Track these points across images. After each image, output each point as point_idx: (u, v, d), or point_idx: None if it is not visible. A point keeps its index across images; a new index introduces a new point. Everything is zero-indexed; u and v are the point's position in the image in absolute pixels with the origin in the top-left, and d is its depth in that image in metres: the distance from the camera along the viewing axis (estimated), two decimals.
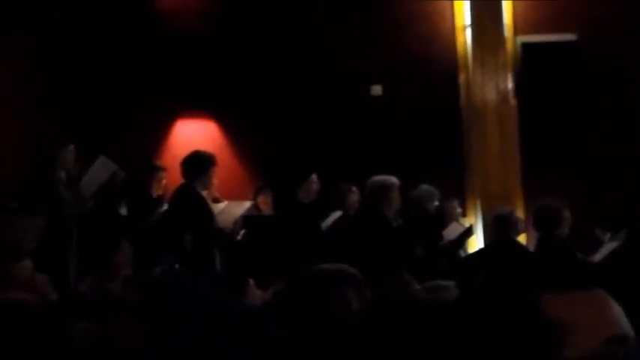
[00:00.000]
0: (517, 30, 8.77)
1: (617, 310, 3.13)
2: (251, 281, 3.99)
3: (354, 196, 7.59)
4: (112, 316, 4.68)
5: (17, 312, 3.91)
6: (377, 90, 8.85)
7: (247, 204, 6.83)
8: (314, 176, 7.20)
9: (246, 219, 6.87)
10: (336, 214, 7.32)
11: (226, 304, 3.48)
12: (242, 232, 6.99)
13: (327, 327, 2.52)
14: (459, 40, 8.84)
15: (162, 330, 4.14)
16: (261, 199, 7.67)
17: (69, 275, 6.32)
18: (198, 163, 6.34)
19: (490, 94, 8.69)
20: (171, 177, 7.25)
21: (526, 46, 8.68)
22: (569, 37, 8.61)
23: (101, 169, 6.66)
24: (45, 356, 3.60)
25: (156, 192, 7.38)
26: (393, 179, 6.06)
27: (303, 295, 2.60)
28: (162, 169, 7.49)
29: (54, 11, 8.41)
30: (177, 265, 5.59)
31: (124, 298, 4.93)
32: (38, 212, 6.22)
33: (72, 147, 6.64)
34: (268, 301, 3.59)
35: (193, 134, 8.61)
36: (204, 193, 6.52)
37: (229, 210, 6.60)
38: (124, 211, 7.10)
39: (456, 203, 7.92)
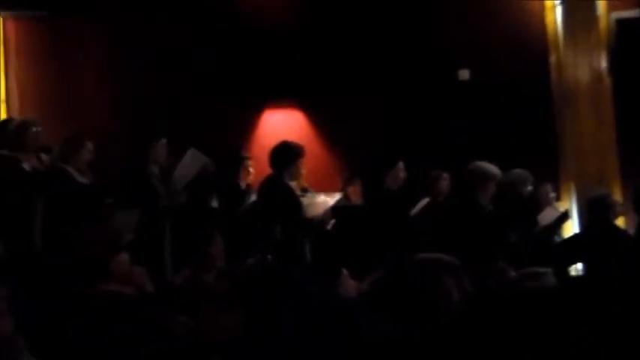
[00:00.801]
0: (611, 6, 8.47)
1: None
2: (345, 271, 3.96)
3: (445, 182, 7.49)
4: (207, 307, 4.75)
5: (118, 304, 4.00)
6: (464, 74, 8.70)
7: (337, 195, 6.82)
8: (401, 164, 7.14)
9: (335, 209, 6.86)
10: (424, 202, 7.23)
11: (323, 295, 3.48)
12: (331, 221, 6.99)
13: (428, 316, 2.48)
14: (549, 18, 8.61)
15: (258, 320, 4.16)
16: (350, 189, 7.65)
17: (164, 267, 6.43)
18: (286, 154, 6.35)
19: (583, 74, 8.44)
20: (260, 167, 7.29)
21: (621, 23, 8.38)
22: None
23: (192, 162, 6.76)
24: (145, 347, 3.66)
25: (244, 182, 7.45)
26: (495, 169, 5.91)
27: (404, 285, 2.56)
28: (249, 158, 7.54)
29: (144, 6, 8.56)
30: (268, 256, 5.61)
31: (218, 290, 4.99)
32: (133, 206, 6.38)
33: (164, 141, 6.74)
34: (364, 291, 3.56)
35: (281, 124, 8.64)
36: (293, 183, 6.53)
37: (319, 201, 6.60)
38: (214, 202, 7.19)
39: (549, 187, 7.72)
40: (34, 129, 6.46)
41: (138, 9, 8.56)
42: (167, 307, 4.50)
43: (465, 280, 2.65)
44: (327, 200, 6.63)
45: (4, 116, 8.44)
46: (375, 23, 8.67)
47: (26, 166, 6.37)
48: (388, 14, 8.67)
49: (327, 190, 7.40)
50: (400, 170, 7.12)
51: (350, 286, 3.80)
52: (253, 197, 7.07)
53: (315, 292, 3.53)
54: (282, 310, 3.83)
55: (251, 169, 7.48)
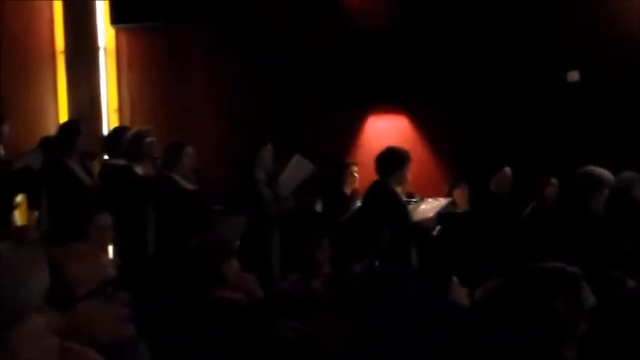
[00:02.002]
0: None
1: None
2: (455, 278, 3.90)
3: (553, 188, 7.32)
4: (316, 313, 4.77)
5: (230, 311, 4.06)
6: (574, 76, 8.47)
7: (444, 201, 6.75)
8: (507, 168, 7.01)
9: (441, 215, 6.80)
10: (529, 207, 7.08)
11: (434, 303, 3.44)
12: (437, 227, 6.93)
13: (546, 327, 2.43)
14: None
15: (367, 328, 4.15)
16: (457, 193, 7.57)
17: (272, 273, 6.50)
18: (392, 160, 6.34)
19: None
20: (364, 173, 7.30)
21: None
22: None
23: (297, 168, 6.82)
24: (257, 354, 3.70)
25: (349, 188, 7.47)
26: (608, 175, 5.72)
27: (523, 295, 2.51)
28: (354, 164, 7.55)
29: (252, 16, 8.69)
30: (376, 263, 5.60)
31: (327, 296, 5.00)
32: (240, 212, 6.48)
33: (270, 147, 6.83)
34: (478, 299, 3.50)
35: (385, 129, 8.62)
36: (398, 188, 6.51)
37: (427, 207, 6.56)
38: (319, 208, 7.23)
39: None
40: (148, 139, 6.67)
41: (246, 19, 8.69)
42: (277, 313, 4.54)
43: (585, 290, 2.58)
44: (434, 205, 6.58)
45: (115, 125, 8.72)
46: (479, 24, 8.54)
47: (140, 174, 6.57)
48: (493, 15, 8.53)
49: (433, 195, 7.35)
50: (507, 175, 7.00)
51: (461, 293, 3.74)
52: (358, 203, 7.08)
53: (426, 300, 3.50)
54: (392, 317, 3.81)
55: (355, 175, 7.49)
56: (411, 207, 6.49)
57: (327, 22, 8.64)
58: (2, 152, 7.01)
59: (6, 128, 6.90)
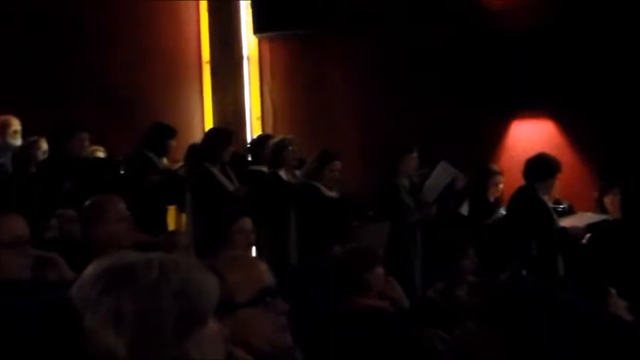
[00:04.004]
0: None
1: None
2: (613, 290, 3.73)
3: None
4: (464, 323, 4.67)
5: (375, 318, 4.03)
6: None
7: (597, 216, 6.53)
8: None
9: (591, 223, 6.55)
10: None
11: (591, 316, 3.29)
12: (587, 236, 6.67)
13: None
14: None
15: (516, 338, 4.02)
16: (608, 200, 7.24)
17: (414, 281, 6.44)
18: (543, 168, 6.18)
19: None
20: (509, 178, 7.14)
21: None
22: None
23: (443, 174, 6.75)
24: None
25: (493, 195, 7.32)
26: None
27: None
28: (499, 173, 7.40)
29: (392, 21, 8.65)
30: (523, 271, 5.44)
31: (472, 305, 4.90)
32: (383, 219, 6.45)
33: (415, 153, 6.78)
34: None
35: (530, 135, 8.38)
36: (545, 196, 6.32)
37: (577, 218, 6.38)
38: (464, 211, 7.12)
39: None
40: (291, 147, 6.76)
41: (386, 26, 8.66)
42: (422, 321, 4.48)
43: None
44: (585, 217, 6.37)
45: (258, 133, 8.89)
46: (630, 26, 8.16)
47: (285, 181, 6.66)
48: None
49: (581, 201, 7.10)
50: None
51: (620, 306, 3.57)
52: (502, 211, 6.92)
53: (582, 313, 3.35)
54: (545, 330, 3.67)
55: (500, 186, 7.33)
56: (563, 219, 6.31)
57: (469, 24, 8.48)
58: (165, 162, 7.29)
59: (173, 143, 7.14)
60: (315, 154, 6.66)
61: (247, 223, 4.61)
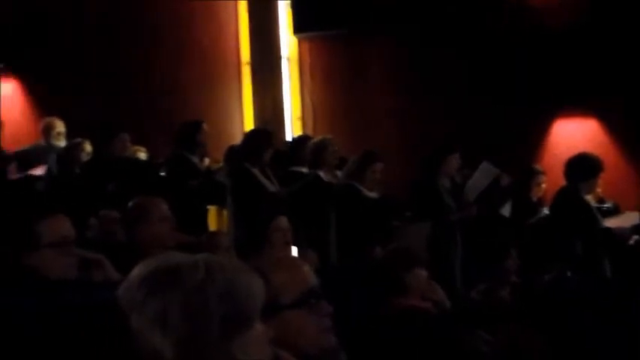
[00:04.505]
0: None
1: None
2: None
3: None
4: (506, 324, 4.62)
5: (417, 319, 4.00)
6: None
7: None
8: None
9: (638, 224, 6.45)
10: None
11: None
12: (634, 237, 6.56)
13: None
14: None
15: (562, 339, 3.97)
16: None
17: (455, 281, 6.39)
18: (585, 168, 6.10)
19: None
20: (552, 177, 7.06)
21: None
22: None
23: (485, 174, 6.70)
24: None
25: (535, 195, 7.25)
26: None
27: None
28: (542, 173, 7.32)
29: (431, 19, 8.60)
30: (568, 272, 5.37)
31: (516, 306, 4.85)
32: (424, 220, 6.41)
33: (456, 154, 6.74)
34: None
35: (574, 134, 8.29)
36: (588, 196, 6.24)
37: (622, 219, 6.28)
38: (506, 214, 7.06)
39: None
40: (331, 148, 6.75)
41: (427, 25, 8.60)
42: (465, 322, 4.45)
43: None
44: (631, 217, 6.28)
45: (298, 133, 8.90)
46: None
47: (326, 182, 6.65)
48: None
49: (626, 200, 6.99)
50: None
51: None
52: (545, 210, 6.84)
53: (628, 314, 3.29)
54: (589, 331, 3.62)
55: (543, 185, 7.25)
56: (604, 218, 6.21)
57: (512, 21, 8.40)
58: (206, 162, 7.33)
59: (204, 132, 7.13)
60: (358, 155, 6.63)
61: (284, 221, 4.61)
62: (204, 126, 7.14)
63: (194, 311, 1.52)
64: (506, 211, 7.02)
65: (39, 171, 7.33)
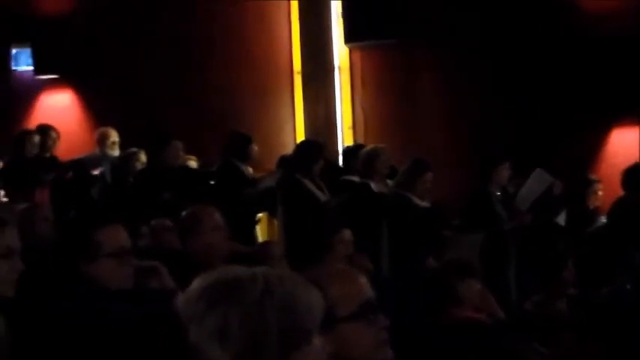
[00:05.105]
0: None
1: None
2: None
3: None
4: (562, 336, 4.54)
5: (475, 330, 3.96)
6: None
7: None
8: None
9: None
10: None
11: None
12: None
13: None
14: None
15: (621, 353, 3.89)
16: None
17: (508, 292, 6.31)
18: None
19: None
20: (609, 186, 6.95)
21: None
22: None
23: (538, 182, 6.62)
24: None
25: (592, 204, 7.14)
26: None
27: None
28: (597, 181, 7.21)
29: (478, 23, 8.52)
30: (627, 285, 5.25)
31: (574, 318, 4.76)
32: (476, 230, 6.35)
33: (507, 164, 6.67)
34: None
35: (631, 143, 8.14)
36: None
37: None
38: (562, 223, 6.96)
39: None
40: (383, 157, 6.73)
41: (477, 34, 8.53)
42: (520, 334, 4.39)
43: None
44: None
45: (350, 142, 8.90)
46: None
47: (376, 191, 6.63)
48: None
49: None
50: None
51: None
52: (602, 219, 6.72)
53: None
54: None
55: (600, 193, 7.13)
56: None
57: (567, 30, 8.28)
58: (250, 171, 7.37)
59: (255, 148, 7.27)
60: (408, 165, 6.59)
61: (348, 234, 4.64)
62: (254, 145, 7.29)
63: (253, 325, 1.51)
64: (561, 219, 6.92)
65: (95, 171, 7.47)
